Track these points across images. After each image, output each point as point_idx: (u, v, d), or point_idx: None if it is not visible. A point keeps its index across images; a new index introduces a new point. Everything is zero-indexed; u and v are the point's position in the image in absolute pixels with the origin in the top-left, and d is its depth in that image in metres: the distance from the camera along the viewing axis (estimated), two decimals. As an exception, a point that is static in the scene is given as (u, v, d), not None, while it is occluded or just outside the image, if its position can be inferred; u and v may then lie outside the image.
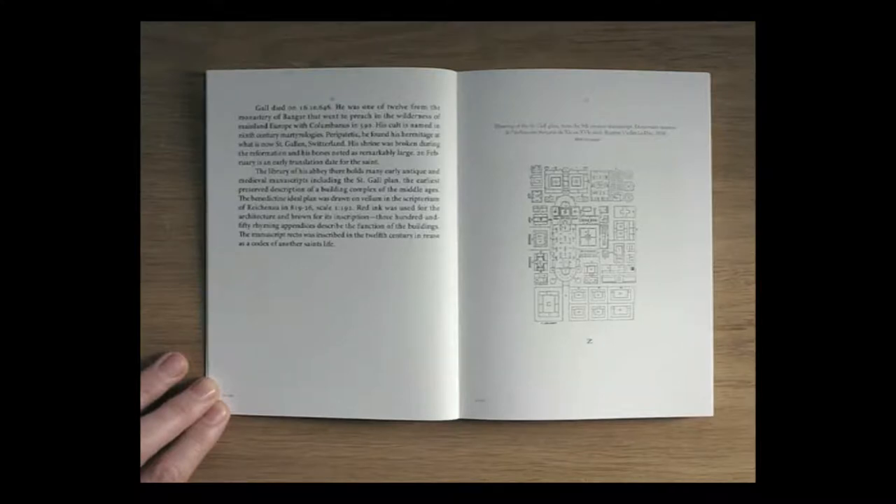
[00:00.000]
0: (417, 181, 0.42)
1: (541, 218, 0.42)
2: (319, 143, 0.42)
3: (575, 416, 0.42)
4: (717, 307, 0.42)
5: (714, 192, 0.42)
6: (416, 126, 0.42)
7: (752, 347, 0.42)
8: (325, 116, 0.42)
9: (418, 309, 0.42)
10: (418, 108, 0.42)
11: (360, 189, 0.42)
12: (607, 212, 0.42)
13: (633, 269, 0.42)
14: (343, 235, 0.42)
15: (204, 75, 0.43)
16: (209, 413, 0.41)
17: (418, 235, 0.42)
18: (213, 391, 0.42)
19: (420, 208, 0.42)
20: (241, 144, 0.43)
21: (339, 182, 0.42)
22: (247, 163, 0.43)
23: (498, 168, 0.42)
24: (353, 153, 0.42)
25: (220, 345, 0.43)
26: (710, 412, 0.42)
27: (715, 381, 0.42)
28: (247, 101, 0.43)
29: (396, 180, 0.42)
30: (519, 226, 0.42)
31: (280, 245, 0.43)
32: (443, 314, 0.42)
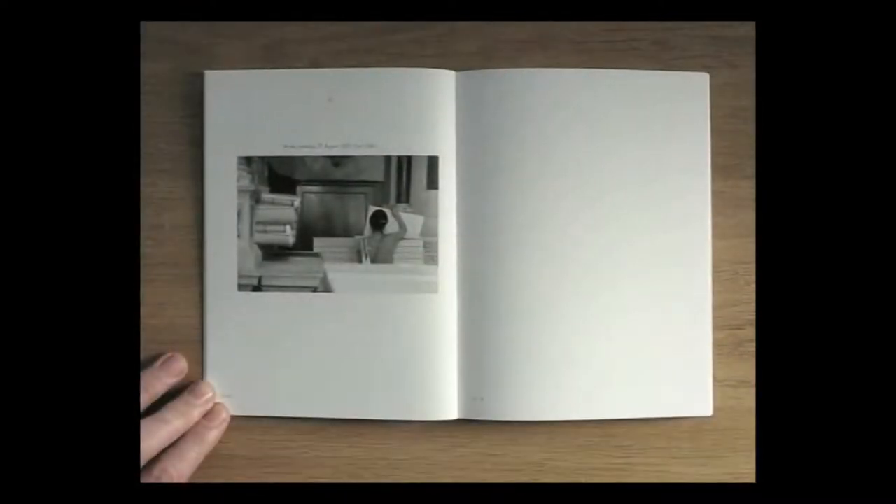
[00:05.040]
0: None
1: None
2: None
3: (575, 416, 0.42)
4: (717, 307, 0.42)
5: (714, 192, 0.42)
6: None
7: (752, 347, 0.42)
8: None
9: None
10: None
11: (360, 189, 0.43)
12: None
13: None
14: (343, 235, 0.43)
15: (202, 75, 0.43)
16: (209, 415, 0.41)
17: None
18: (209, 394, 0.42)
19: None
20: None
21: (339, 182, 0.43)
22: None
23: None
24: (353, 153, 0.43)
25: (219, 345, 0.43)
26: (709, 412, 0.42)
27: (715, 381, 0.42)
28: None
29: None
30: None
31: (280, 245, 0.43)
32: (443, 312, 0.42)
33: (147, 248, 0.43)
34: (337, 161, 0.43)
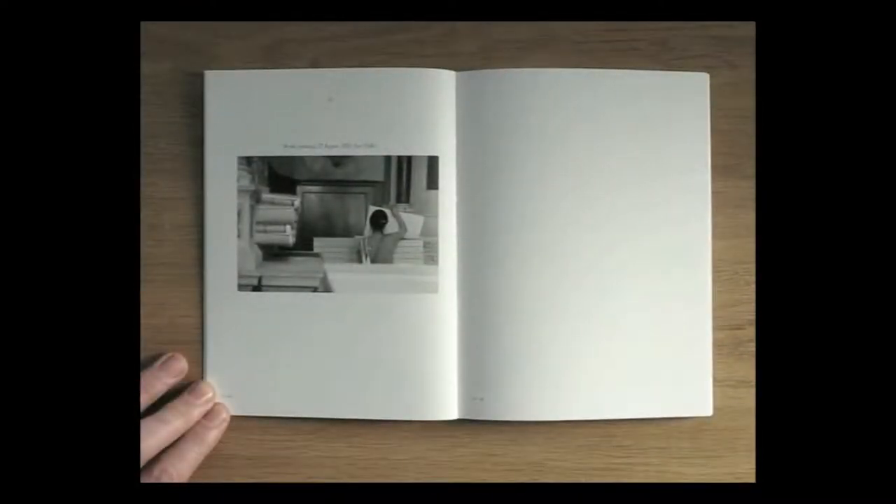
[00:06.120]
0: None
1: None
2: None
3: (575, 416, 0.42)
4: (717, 307, 0.42)
5: (714, 192, 0.42)
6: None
7: (752, 347, 0.42)
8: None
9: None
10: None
11: (360, 189, 0.43)
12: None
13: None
14: (343, 235, 0.43)
15: (202, 75, 0.43)
16: (209, 415, 0.41)
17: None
18: (209, 395, 0.42)
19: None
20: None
21: (339, 182, 0.43)
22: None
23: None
24: (353, 153, 0.43)
25: (219, 345, 0.43)
26: (709, 412, 0.42)
27: (715, 381, 0.42)
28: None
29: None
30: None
31: (280, 245, 0.43)
32: (443, 312, 0.42)
33: (147, 248, 0.43)
34: (337, 161, 0.43)
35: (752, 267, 0.43)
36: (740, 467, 0.42)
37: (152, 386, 0.41)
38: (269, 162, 0.43)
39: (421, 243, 0.42)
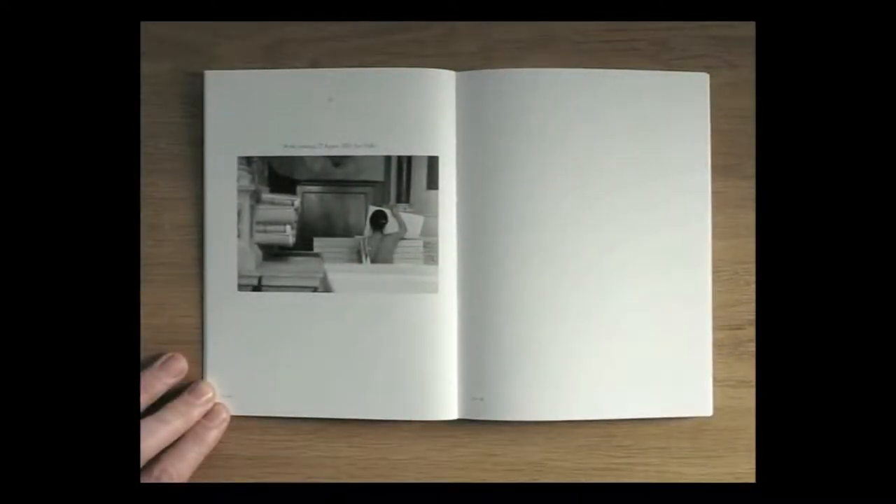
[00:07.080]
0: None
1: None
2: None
3: (575, 416, 0.42)
4: (717, 307, 0.42)
5: (714, 192, 0.42)
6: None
7: (752, 347, 0.42)
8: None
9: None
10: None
11: (360, 189, 0.43)
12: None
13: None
14: (343, 235, 0.43)
15: (202, 75, 0.43)
16: (209, 415, 0.41)
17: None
18: (209, 395, 0.42)
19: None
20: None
21: (339, 182, 0.43)
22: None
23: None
24: (353, 153, 0.43)
25: (219, 345, 0.43)
26: (709, 412, 0.42)
27: (714, 381, 0.42)
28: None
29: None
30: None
31: (280, 245, 0.43)
32: (443, 312, 0.42)
33: (147, 248, 0.43)
34: (337, 161, 0.43)
35: (752, 267, 0.43)
36: (740, 467, 0.42)
37: (152, 386, 0.41)
38: (269, 162, 0.43)
39: (421, 243, 0.42)
